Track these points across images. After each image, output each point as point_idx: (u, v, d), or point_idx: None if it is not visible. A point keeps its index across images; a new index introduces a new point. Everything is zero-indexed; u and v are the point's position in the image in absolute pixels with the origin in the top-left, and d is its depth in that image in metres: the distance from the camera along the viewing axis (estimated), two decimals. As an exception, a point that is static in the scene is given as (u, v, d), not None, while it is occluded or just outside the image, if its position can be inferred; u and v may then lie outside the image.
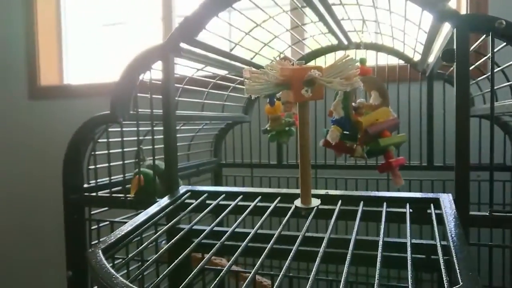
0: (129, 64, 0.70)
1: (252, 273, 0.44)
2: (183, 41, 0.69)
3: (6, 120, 2.02)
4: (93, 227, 0.80)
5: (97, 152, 0.78)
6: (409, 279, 0.39)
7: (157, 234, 0.57)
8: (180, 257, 0.48)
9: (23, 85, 1.97)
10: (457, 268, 0.39)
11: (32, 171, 1.95)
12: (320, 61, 1.27)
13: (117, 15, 1.98)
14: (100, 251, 0.47)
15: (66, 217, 0.77)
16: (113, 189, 0.78)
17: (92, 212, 0.81)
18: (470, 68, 0.58)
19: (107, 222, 0.79)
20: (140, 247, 0.52)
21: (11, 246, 2.03)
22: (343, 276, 0.41)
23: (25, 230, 1.99)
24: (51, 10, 2.02)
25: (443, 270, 0.39)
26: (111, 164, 0.77)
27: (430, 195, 0.58)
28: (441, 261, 0.41)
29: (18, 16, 1.96)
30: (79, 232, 0.78)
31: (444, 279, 0.38)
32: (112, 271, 0.43)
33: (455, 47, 0.56)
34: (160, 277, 0.46)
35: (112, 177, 0.79)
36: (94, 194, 0.78)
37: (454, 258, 0.40)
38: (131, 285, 0.40)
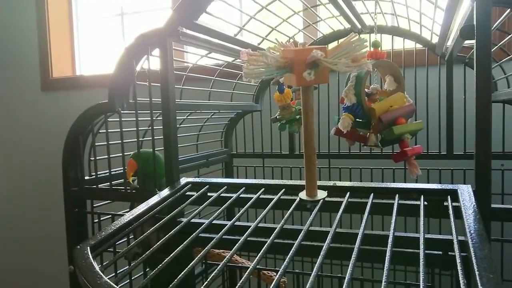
0: (125, 50, 0.67)
1: (250, 268, 0.40)
2: (182, 25, 0.65)
3: (19, 111, 2.03)
4: (95, 220, 0.78)
5: (96, 144, 0.75)
6: (421, 277, 0.35)
7: (154, 227, 0.54)
8: (176, 250, 0.46)
9: (36, 76, 1.97)
10: (475, 268, 0.34)
11: (45, 162, 1.96)
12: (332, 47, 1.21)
13: (129, 5, 1.95)
14: (88, 247, 0.44)
15: (67, 210, 0.75)
16: (113, 182, 0.76)
17: (94, 205, 0.79)
18: (493, 49, 0.53)
19: (109, 216, 0.76)
20: (133, 243, 0.49)
21: (19, 237, 2.05)
22: (347, 273, 0.37)
23: (33, 221, 2.01)
24: (63, 1, 2.01)
25: (459, 271, 0.35)
26: (111, 156, 0.74)
27: (447, 186, 0.54)
28: (458, 260, 0.36)
29: (30, 8, 1.96)
30: (80, 225, 0.76)
31: (461, 280, 0.34)
32: (98, 270, 0.40)
33: (474, 22, 0.50)
34: (155, 270, 0.43)
35: (112, 169, 0.76)
36: (94, 186, 0.75)
37: (473, 258, 0.36)
38: (114, 286, 0.37)
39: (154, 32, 0.66)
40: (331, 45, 1.20)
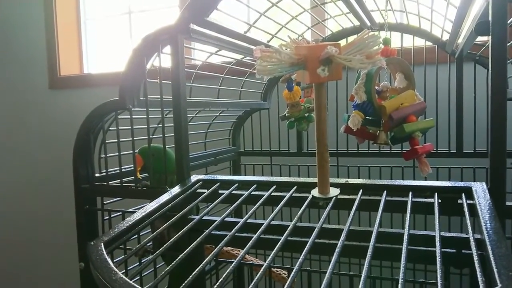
0: (137, 47, 0.67)
1: (263, 267, 0.40)
2: (193, 22, 0.65)
3: (27, 109, 2.04)
4: (106, 218, 0.78)
5: (107, 141, 0.75)
6: (438, 275, 0.35)
7: (166, 225, 0.54)
8: (188, 248, 0.45)
9: (43, 74, 1.98)
10: (494, 266, 0.34)
11: (52, 160, 1.97)
12: (342, 44, 1.20)
13: (136, 3, 1.96)
14: (102, 244, 0.44)
15: (77, 207, 0.75)
16: (124, 179, 0.76)
17: (105, 202, 0.79)
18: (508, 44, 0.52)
19: (120, 213, 0.76)
20: (146, 239, 0.49)
21: (29, 234, 2.06)
22: (363, 272, 0.37)
23: (43, 219, 2.02)
24: (71, 0, 2.02)
25: (477, 268, 0.35)
26: (122, 153, 0.74)
27: (461, 183, 0.53)
28: (475, 257, 0.36)
29: (38, 7, 1.97)
30: (90, 222, 0.76)
31: (479, 278, 0.33)
32: (113, 266, 0.40)
33: (490, 18, 0.50)
34: (168, 268, 0.43)
35: (123, 167, 0.76)
36: (105, 184, 0.76)
37: (491, 255, 0.35)
38: (130, 282, 0.37)
39: (165, 30, 0.65)
40: (340, 43, 1.20)
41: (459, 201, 0.51)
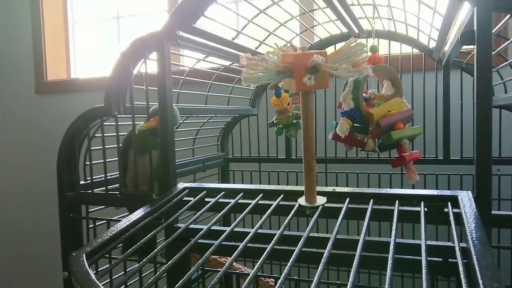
0: (123, 53, 0.66)
1: (250, 275, 0.40)
2: (180, 28, 0.65)
3: (13, 113, 2.01)
4: (90, 226, 0.77)
5: (92, 148, 0.74)
6: (424, 284, 0.35)
7: (151, 233, 0.53)
8: (175, 257, 0.45)
9: (30, 78, 1.96)
10: (479, 277, 0.34)
11: (38, 165, 1.94)
12: (330, 51, 1.21)
13: (125, 8, 1.94)
14: (84, 255, 0.43)
15: (61, 215, 0.74)
16: (109, 187, 0.74)
17: (90, 210, 0.78)
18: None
19: (105, 221, 0.75)
20: (131, 249, 0.48)
21: (13, 242, 2.03)
22: (349, 281, 0.36)
23: (27, 226, 1.99)
24: (58, 3, 2.00)
25: (462, 279, 0.34)
26: (107, 160, 0.73)
27: (447, 192, 0.53)
28: (461, 268, 0.36)
29: (25, 11, 1.95)
30: (75, 230, 0.74)
31: (465, 289, 0.33)
32: (94, 278, 0.39)
33: (475, 28, 0.50)
34: (155, 276, 0.42)
35: (108, 174, 0.75)
36: (90, 191, 0.74)
37: (476, 266, 0.35)
38: (111, 294, 0.36)
39: (152, 36, 0.65)
40: (328, 49, 1.21)
41: (445, 210, 0.51)
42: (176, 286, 0.39)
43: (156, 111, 0.69)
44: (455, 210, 0.49)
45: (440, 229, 1.01)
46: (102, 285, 0.38)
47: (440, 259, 0.52)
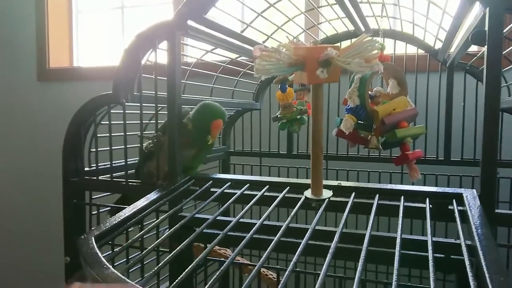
0: (133, 41, 0.66)
1: (256, 267, 0.40)
2: (191, 18, 0.65)
3: (14, 100, 2.01)
4: (94, 212, 0.77)
5: (99, 135, 0.74)
6: (431, 280, 0.35)
7: (157, 221, 0.53)
8: (180, 246, 0.45)
9: (32, 65, 1.95)
10: (486, 272, 0.34)
11: (40, 152, 1.94)
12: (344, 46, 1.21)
13: (129, -2, 1.94)
14: (93, 238, 0.44)
15: (65, 201, 0.74)
16: (115, 174, 0.75)
17: (93, 197, 0.78)
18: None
19: (108, 208, 0.75)
20: (137, 235, 0.48)
21: (14, 228, 2.03)
22: (356, 274, 0.37)
23: (30, 212, 1.99)
24: (62, -9, 1.99)
25: (469, 274, 0.35)
26: (113, 148, 0.73)
27: (452, 189, 0.54)
28: (467, 263, 0.36)
29: (29, -2, 1.94)
30: (78, 217, 0.75)
31: (471, 283, 0.34)
32: (104, 260, 0.39)
33: (486, 28, 0.51)
34: (159, 265, 0.43)
35: (114, 161, 0.75)
36: (94, 178, 0.75)
37: (482, 261, 0.36)
38: (122, 276, 0.36)
39: (163, 25, 0.65)
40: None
41: (450, 207, 0.52)
42: (181, 275, 0.40)
43: (212, 114, 0.72)
44: (460, 208, 0.50)
45: (438, 226, 1.01)
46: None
47: (442, 255, 0.52)
